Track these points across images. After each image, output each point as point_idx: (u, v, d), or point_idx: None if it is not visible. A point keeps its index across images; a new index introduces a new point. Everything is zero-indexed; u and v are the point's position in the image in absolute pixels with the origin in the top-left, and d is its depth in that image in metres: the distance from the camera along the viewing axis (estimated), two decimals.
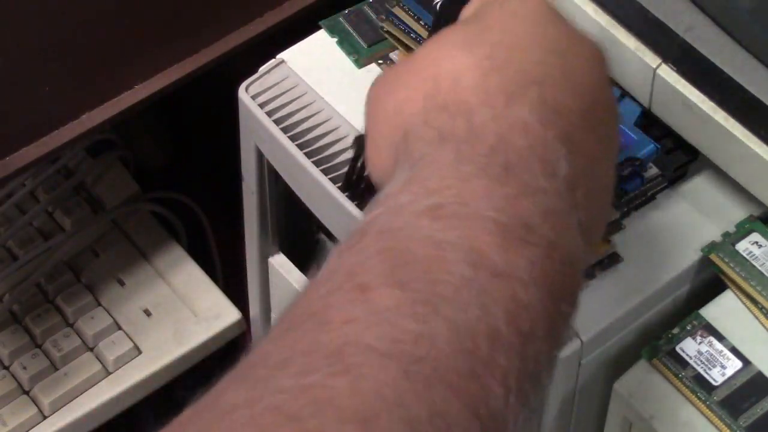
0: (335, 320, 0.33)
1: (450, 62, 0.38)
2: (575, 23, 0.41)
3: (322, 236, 0.71)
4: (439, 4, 0.45)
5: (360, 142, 0.49)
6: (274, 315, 0.78)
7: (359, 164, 0.51)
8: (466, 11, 0.43)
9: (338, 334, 0.32)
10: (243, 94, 0.64)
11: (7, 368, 0.84)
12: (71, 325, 0.87)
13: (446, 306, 0.32)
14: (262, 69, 0.65)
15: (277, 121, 0.62)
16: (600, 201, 0.39)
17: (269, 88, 0.64)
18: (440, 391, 0.31)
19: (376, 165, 0.42)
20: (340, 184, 0.57)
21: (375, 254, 0.34)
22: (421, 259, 0.33)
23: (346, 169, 0.54)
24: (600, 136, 0.39)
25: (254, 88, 0.64)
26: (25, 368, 0.84)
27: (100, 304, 0.88)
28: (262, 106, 0.63)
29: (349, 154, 0.61)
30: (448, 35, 0.40)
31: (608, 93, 0.41)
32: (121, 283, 0.90)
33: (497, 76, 0.37)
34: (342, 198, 0.59)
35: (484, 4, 0.42)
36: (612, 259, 0.53)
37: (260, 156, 0.66)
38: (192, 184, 1.01)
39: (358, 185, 0.52)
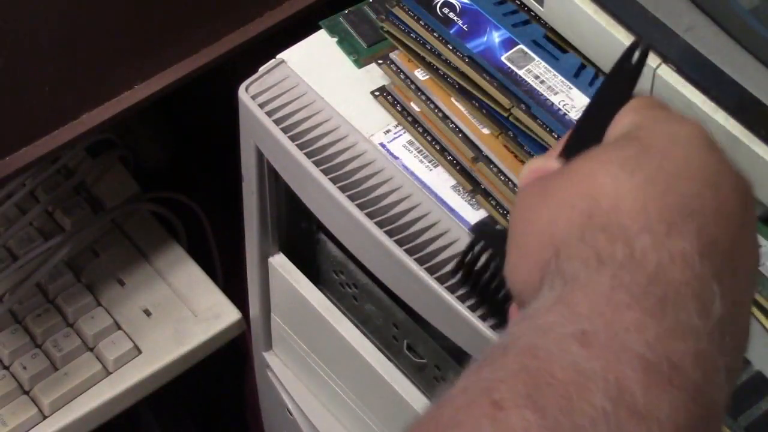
0: None
1: (610, 181, 0.37)
2: (726, 152, 0.39)
3: (322, 236, 0.71)
4: (580, 118, 0.43)
5: (482, 232, 0.48)
6: (274, 315, 0.78)
7: (482, 257, 0.50)
8: (615, 129, 0.41)
9: None
10: (243, 94, 0.64)
11: (7, 368, 0.84)
12: (71, 325, 0.87)
13: None
14: (262, 69, 0.65)
15: (277, 121, 0.62)
16: (742, 346, 0.37)
17: (269, 88, 0.64)
18: None
19: (517, 275, 0.40)
20: (451, 268, 0.55)
21: (514, 373, 0.33)
22: (561, 384, 0.32)
23: (460, 254, 0.53)
24: (743, 275, 0.37)
25: (254, 88, 0.64)
26: (25, 368, 0.84)
27: (100, 304, 0.88)
28: (262, 106, 0.63)
29: (348, 154, 0.61)
30: (607, 152, 0.38)
31: (753, 230, 0.39)
32: (121, 283, 0.90)
33: (659, 203, 0.36)
34: (342, 198, 0.59)
35: (640, 122, 0.40)
36: None
37: (260, 156, 0.66)
38: (192, 184, 1.01)
39: (478, 278, 0.51)
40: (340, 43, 0.66)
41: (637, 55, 0.41)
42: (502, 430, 0.31)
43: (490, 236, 0.52)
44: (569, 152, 0.41)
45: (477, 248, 0.51)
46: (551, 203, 0.38)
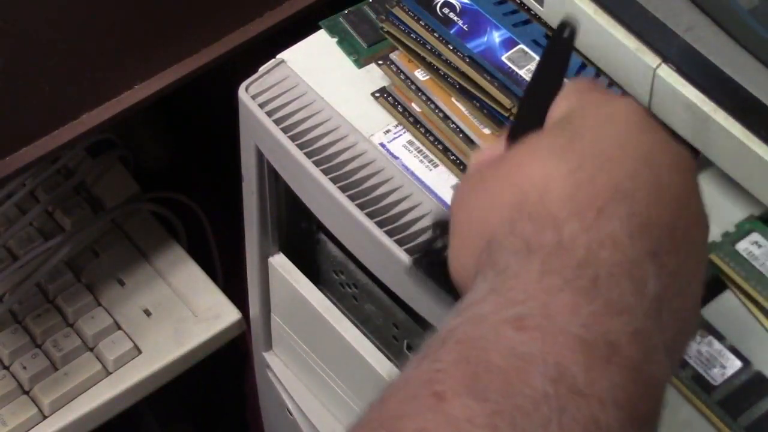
0: (407, 429, 0.32)
1: (539, 170, 0.37)
2: (665, 129, 0.40)
3: (322, 236, 0.71)
4: (519, 106, 0.43)
5: (440, 227, 0.48)
6: (274, 315, 0.78)
7: (439, 247, 0.50)
8: (555, 111, 0.41)
9: None
10: (243, 94, 0.64)
11: (7, 368, 0.84)
12: (71, 325, 0.87)
13: (524, 421, 0.31)
14: (262, 69, 0.65)
15: (277, 121, 0.62)
16: (686, 320, 0.37)
17: (269, 88, 0.64)
18: None
19: (456, 267, 0.41)
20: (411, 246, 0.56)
21: (453, 363, 0.33)
22: (501, 370, 0.32)
23: (423, 239, 0.52)
24: (688, 251, 0.37)
25: (254, 88, 0.64)
26: (25, 368, 0.84)
27: (100, 304, 0.88)
28: (262, 106, 0.63)
29: (347, 154, 0.61)
30: (538, 141, 0.39)
31: (697, 203, 0.39)
32: (121, 283, 0.90)
33: (588, 188, 0.36)
34: (342, 198, 0.59)
35: (574, 107, 0.40)
36: None
37: (260, 156, 0.66)
38: (192, 184, 1.02)
39: (433, 264, 0.51)
40: (340, 43, 0.66)
41: (566, 34, 0.41)
42: (445, 419, 0.32)
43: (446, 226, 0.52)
44: (513, 138, 0.41)
45: (436, 238, 0.51)
46: (486, 193, 0.39)
